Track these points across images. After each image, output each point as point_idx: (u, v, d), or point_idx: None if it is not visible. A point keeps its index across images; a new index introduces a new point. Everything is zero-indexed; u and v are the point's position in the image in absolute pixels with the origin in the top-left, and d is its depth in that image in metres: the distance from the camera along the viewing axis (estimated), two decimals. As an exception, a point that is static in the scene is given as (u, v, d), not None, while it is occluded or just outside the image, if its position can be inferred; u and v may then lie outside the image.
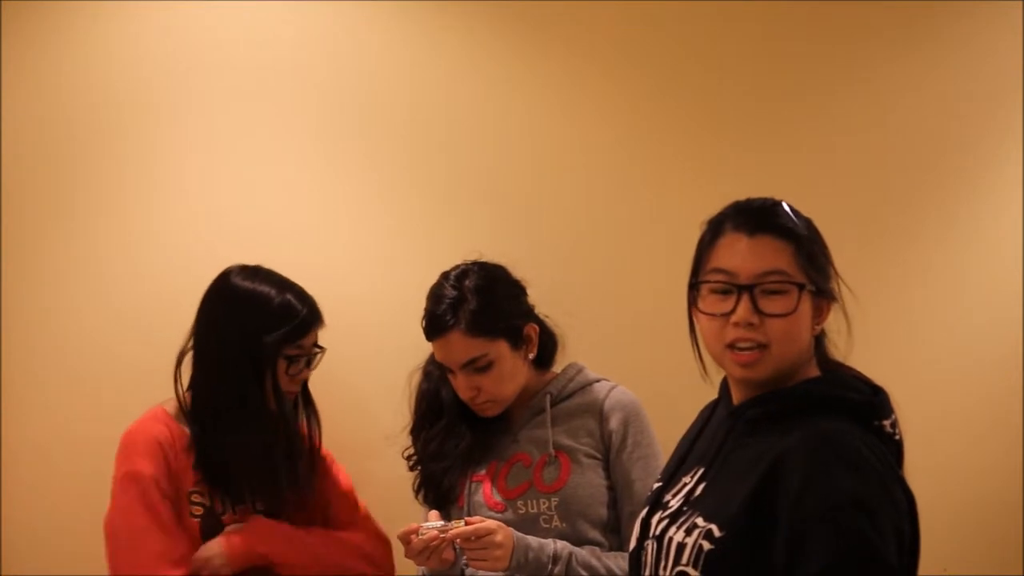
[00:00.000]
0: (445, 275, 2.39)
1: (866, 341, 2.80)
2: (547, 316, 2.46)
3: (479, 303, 2.32)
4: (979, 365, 2.97)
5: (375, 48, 2.83)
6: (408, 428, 2.48)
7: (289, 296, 2.40)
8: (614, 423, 2.36)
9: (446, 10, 2.84)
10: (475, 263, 2.41)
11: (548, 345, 2.46)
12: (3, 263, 2.73)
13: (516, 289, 2.43)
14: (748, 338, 1.66)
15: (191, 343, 2.40)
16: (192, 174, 2.78)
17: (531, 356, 2.40)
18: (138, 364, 2.58)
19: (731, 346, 1.67)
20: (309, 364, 2.44)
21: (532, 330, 2.40)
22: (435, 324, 2.34)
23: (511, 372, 2.35)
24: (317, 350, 2.45)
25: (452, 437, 2.40)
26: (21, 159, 2.74)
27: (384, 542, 2.52)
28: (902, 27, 2.94)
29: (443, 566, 2.27)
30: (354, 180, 2.83)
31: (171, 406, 2.41)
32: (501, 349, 2.33)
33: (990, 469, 2.95)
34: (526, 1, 2.84)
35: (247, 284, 2.40)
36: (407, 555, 2.26)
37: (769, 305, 1.65)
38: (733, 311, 1.66)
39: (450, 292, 2.34)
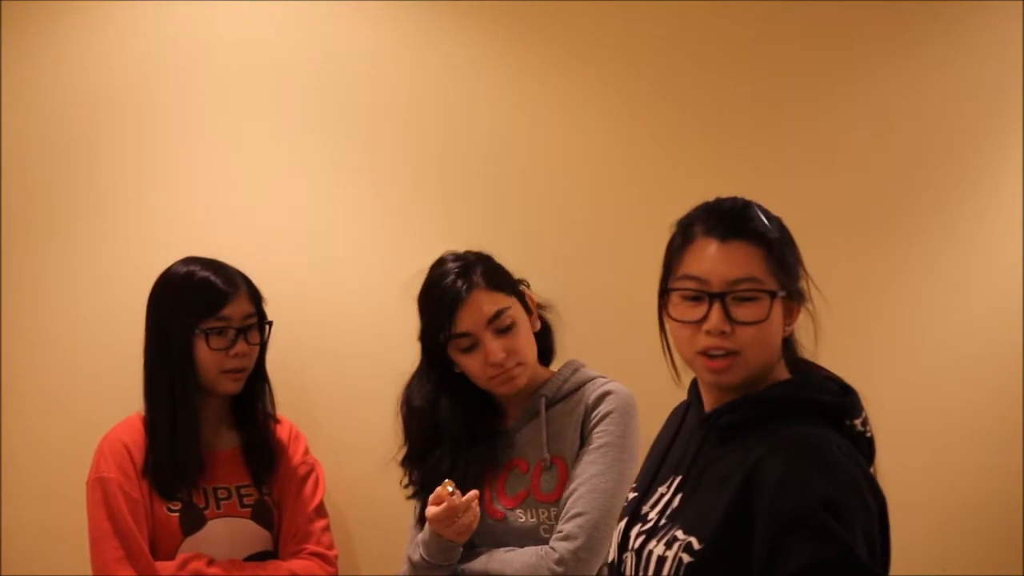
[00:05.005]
0: (441, 259, 2.39)
1: (866, 341, 2.84)
2: (543, 299, 2.46)
3: (486, 265, 2.36)
4: (979, 365, 2.97)
5: (374, 48, 2.83)
6: (400, 457, 2.41)
7: (206, 272, 2.44)
8: (593, 420, 2.32)
9: (445, 10, 2.84)
10: (466, 251, 2.42)
11: (546, 332, 2.47)
12: (3, 262, 2.73)
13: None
14: (720, 346, 1.64)
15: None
16: (191, 172, 2.78)
17: (536, 326, 2.41)
18: (140, 363, 2.58)
19: (703, 353, 1.66)
20: (246, 337, 2.45)
21: (531, 300, 2.42)
22: (453, 295, 2.31)
23: (528, 335, 2.37)
24: (250, 322, 2.45)
25: (460, 458, 2.34)
26: (21, 158, 2.75)
27: (327, 563, 2.50)
28: (902, 27, 2.94)
29: (461, 538, 2.24)
30: (353, 180, 2.83)
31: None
32: (517, 307, 2.36)
33: (990, 469, 2.95)
34: (524, 1, 2.84)
35: (172, 271, 2.46)
36: (436, 517, 2.21)
37: (741, 313, 1.64)
38: (705, 319, 1.64)
39: (455, 266, 2.35)
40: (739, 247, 1.66)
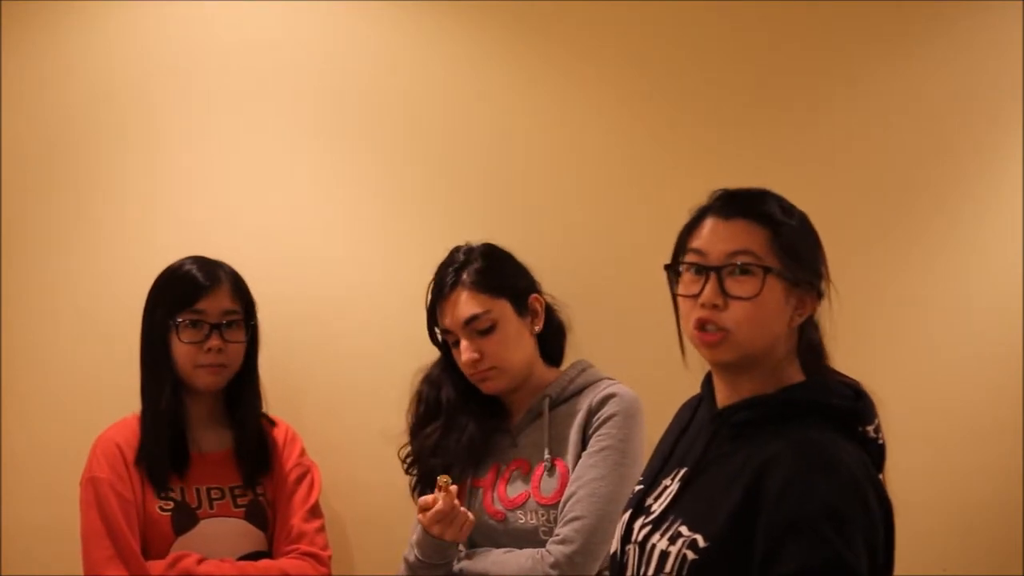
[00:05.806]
0: (456, 248, 2.45)
1: (867, 341, 2.84)
2: (554, 299, 2.49)
3: (484, 263, 2.39)
4: (979, 365, 2.97)
5: (374, 48, 2.83)
6: (406, 430, 2.47)
7: (191, 267, 2.45)
8: (596, 423, 2.33)
9: (445, 10, 2.84)
10: (484, 243, 2.47)
11: (556, 333, 2.48)
12: (3, 262, 2.73)
13: (523, 267, 2.47)
14: (710, 319, 1.66)
15: None
16: (192, 172, 2.79)
17: (537, 328, 2.42)
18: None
19: (698, 327, 1.68)
20: (221, 333, 2.43)
21: (537, 301, 2.43)
22: (441, 286, 2.39)
23: (516, 339, 2.37)
24: (230, 318, 2.44)
25: (453, 430, 2.40)
26: (21, 158, 2.75)
27: (320, 563, 2.49)
28: (902, 27, 2.94)
29: (462, 535, 2.24)
30: (354, 179, 2.83)
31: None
32: (505, 310, 2.36)
33: (990, 469, 2.95)
34: (524, 1, 2.84)
35: (168, 267, 2.48)
36: (431, 518, 2.21)
37: (735, 287, 1.66)
38: (701, 291, 1.67)
39: (459, 258, 2.41)
40: (742, 225, 1.69)
